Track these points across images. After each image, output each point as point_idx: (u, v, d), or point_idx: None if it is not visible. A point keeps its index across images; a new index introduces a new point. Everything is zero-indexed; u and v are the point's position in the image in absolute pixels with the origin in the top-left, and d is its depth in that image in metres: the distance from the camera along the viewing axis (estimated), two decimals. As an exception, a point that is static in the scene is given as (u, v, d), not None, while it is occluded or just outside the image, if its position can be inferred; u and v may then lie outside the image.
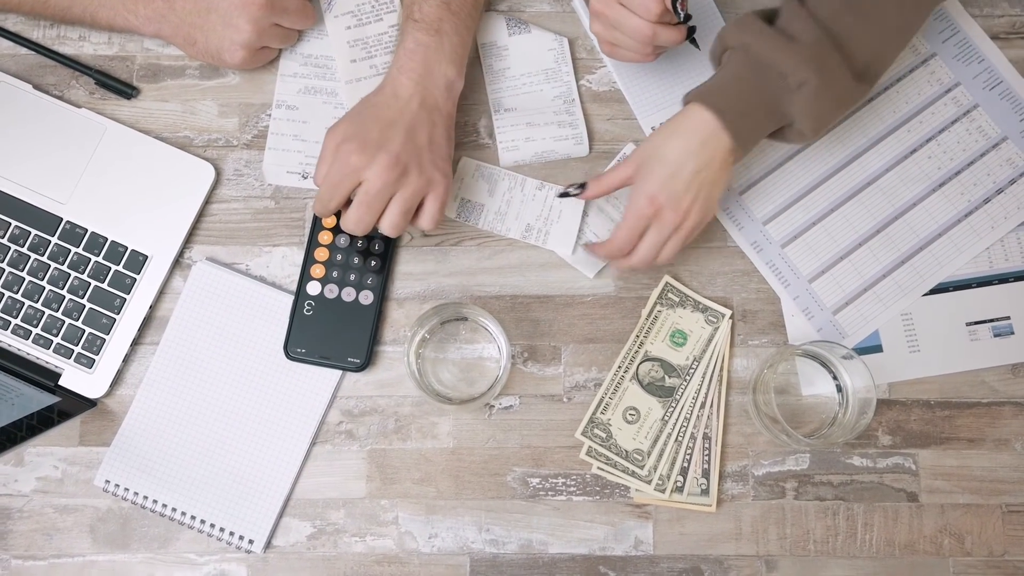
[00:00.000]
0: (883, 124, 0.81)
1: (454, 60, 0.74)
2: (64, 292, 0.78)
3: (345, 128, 0.71)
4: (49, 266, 0.79)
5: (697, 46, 0.75)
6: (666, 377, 0.78)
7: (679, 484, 0.77)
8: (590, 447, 0.77)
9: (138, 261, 0.79)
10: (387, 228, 0.71)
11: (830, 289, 0.79)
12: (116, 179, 0.80)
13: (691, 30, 0.73)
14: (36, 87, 0.81)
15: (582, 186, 0.75)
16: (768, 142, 0.74)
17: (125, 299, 0.79)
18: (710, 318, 0.79)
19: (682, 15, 0.70)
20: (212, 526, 0.76)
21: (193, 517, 0.76)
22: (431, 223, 0.73)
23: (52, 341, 0.78)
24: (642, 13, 0.70)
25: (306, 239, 0.80)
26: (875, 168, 0.80)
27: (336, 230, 0.79)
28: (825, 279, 0.79)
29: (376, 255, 0.79)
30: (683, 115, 0.71)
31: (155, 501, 0.77)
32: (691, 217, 0.71)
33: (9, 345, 0.79)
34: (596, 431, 0.78)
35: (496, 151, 0.81)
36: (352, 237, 0.78)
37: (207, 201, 0.81)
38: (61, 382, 0.78)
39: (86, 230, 0.79)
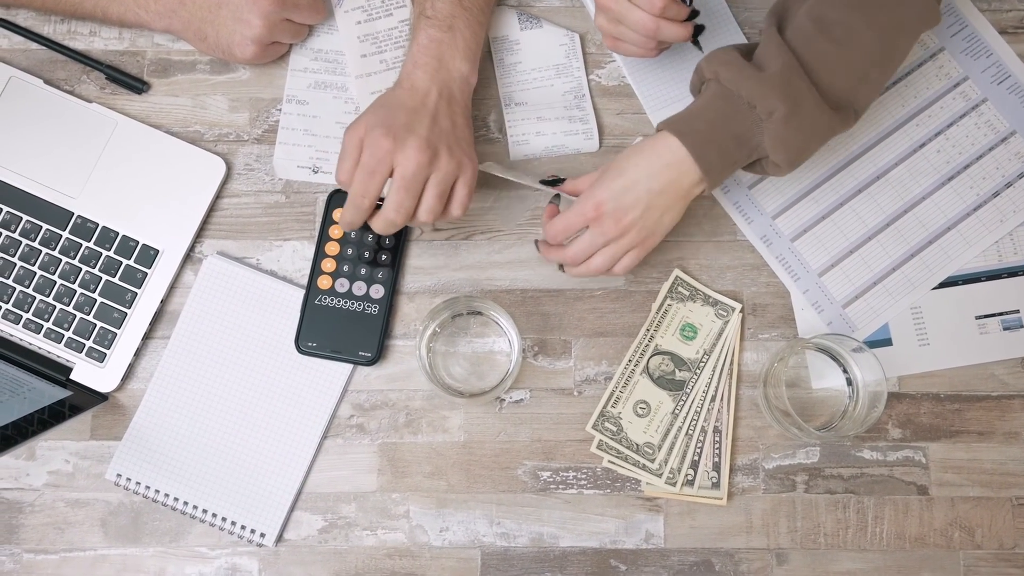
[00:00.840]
0: (892, 118, 0.81)
1: (467, 56, 0.74)
2: (75, 286, 0.79)
3: (368, 120, 0.70)
4: (60, 260, 0.79)
5: (700, 48, 0.75)
6: (676, 371, 0.78)
7: (690, 477, 0.77)
8: (601, 441, 0.78)
9: (149, 255, 0.79)
10: (425, 213, 0.70)
11: (840, 283, 0.79)
12: (127, 174, 0.80)
13: (698, 29, 0.73)
14: (47, 82, 0.81)
15: (561, 180, 0.76)
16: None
17: (136, 293, 0.79)
18: (720, 312, 0.79)
19: (689, 3, 0.70)
20: (224, 520, 0.76)
21: (205, 511, 0.76)
22: (461, 209, 0.72)
23: (63, 335, 0.78)
24: (646, 7, 0.70)
25: (317, 233, 0.80)
26: (884, 162, 0.81)
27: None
28: (835, 273, 0.79)
29: (387, 249, 0.79)
30: (654, 139, 0.70)
31: (166, 495, 0.77)
32: (630, 234, 0.70)
33: (20, 339, 0.79)
34: (607, 425, 0.78)
35: (507, 145, 0.81)
36: (362, 231, 0.78)
37: (218, 195, 0.81)
38: (72, 376, 0.78)
39: (97, 224, 0.79)
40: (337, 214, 0.79)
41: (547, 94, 0.82)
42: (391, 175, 0.69)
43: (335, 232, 0.79)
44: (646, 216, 0.69)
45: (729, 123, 0.68)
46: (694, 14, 0.72)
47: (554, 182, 0.76)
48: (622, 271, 0.72)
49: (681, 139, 0.68)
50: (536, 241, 0.76)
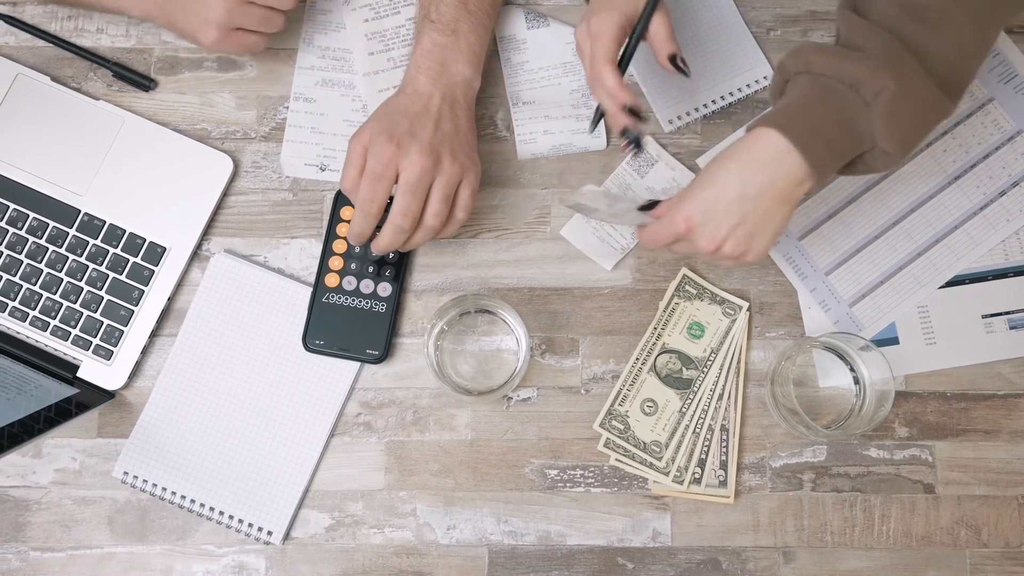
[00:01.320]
0: (899, 118, 0.81)
1: (471, 60, 0.74)
2: (82, 284, 0.78)
3: (371, 127, 0.71)
4: (67, 258, 0.79)
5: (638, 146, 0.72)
6: (684, 369, 0.78)
7: (697, 476, 0.77)
8: (608, 439, 0.78)
9: (156, 253, 0.79)
10: (431, 217, 0.70)
11: (847, 281, 0.79)
12: (134, 171, 0.80)
13: (635, 143, 0.71)
14: (54, 79, 0.81)
15: (656, 203, 0.70)
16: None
17: (143, 291, 0.79)
18: (727, 310, 0.79)
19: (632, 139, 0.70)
20: (231, 518, 0.76)
21: (212, 509, 0.76)
22: (465, 212, 0.72)
23: (70, 333, 0.78)
24: (612, 93, 0.69)
25: (324, 231, 0.80)
26: (891, 161, 0.81)
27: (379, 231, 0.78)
28: (842, 271, 0.79)
29: (394, 247, 0.79)
30: (747, 138, 0.64)
31: (173, 493, 0.77)
32: (726, 248, 0.64)
33: (27, 336, 0.79)
34: (614, 423, 0.78)
35: (514, 144, 0.81)
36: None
37: (225, 193, 0.81)
38: (79, 374, 0.78)
39: (104, 222, 0.79)
40: (345, 212, 0.79)
41: (554, 93, 0.82)
42: (396, 181, 0.70)
43: (343, 230, 0.79)
44: (741, 228, 0.63)
45: (832, 109, 0.62)
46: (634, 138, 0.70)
47: (651, 206, 0.70)
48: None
49: (782, 131, 0.61)
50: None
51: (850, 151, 0.63)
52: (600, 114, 0.75)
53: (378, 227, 0.72)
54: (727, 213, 0.63)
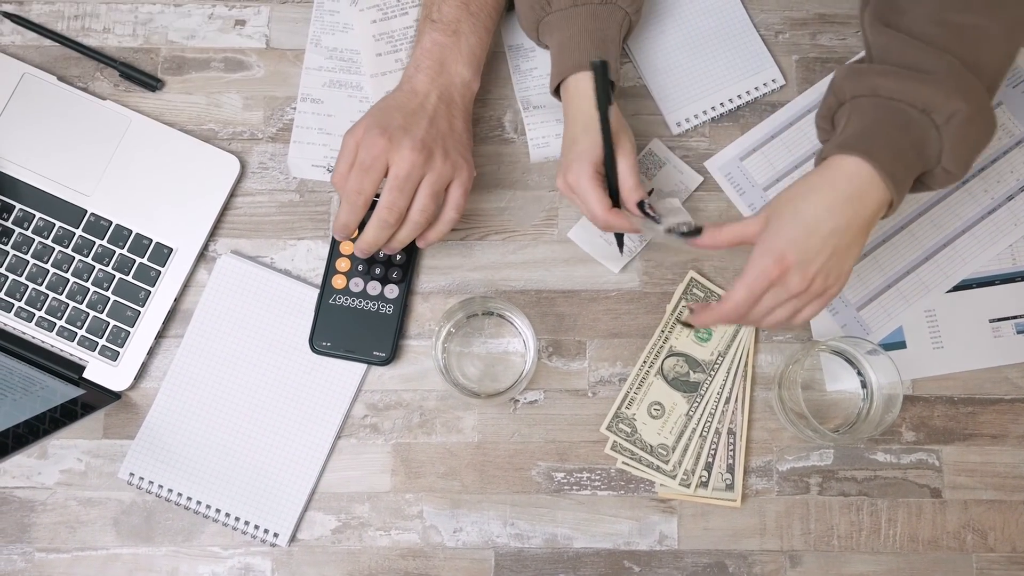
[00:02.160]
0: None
1: (471, 62, 0.74)
2: (88, 284, 0.78)
3: (365, 123, 0.70)
4: (73, 258, 0.78)
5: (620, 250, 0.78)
6: (691, 372, 0.78)
7: (704, 479, 0.77)
8: (615, 442, 0.78)
9: (163, 254, 0.79)
10: (417, 213, 0.70)
11: (854, 286, 0.79)
12: (141, 172, 0.80)
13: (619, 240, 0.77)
14: (60, 79, 0.81)
15: (697, 231, 0.67)
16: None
17: (150, 292, 0.78)
18: (735, 313, 0.79)
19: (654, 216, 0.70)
20: (237, 519, 0.76)
21: (218, 510, 0.76)
22: (456, 210, 0.72)
23: (76, 333, 0.78)
24: (597, 211, 0.70)
25: (331, 232, 0.79)
26: (899, 165, 0.81)
27: (363, 226, 0.78)
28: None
29: (401, 249, 0.79)
30: (825, 168, 0.63)
31: (179, 494, 0.76)
32: (816, 283, 0.63)
33: (33, 337, 0.79)
34: (621, 426, 0.78)
35: (527, 147, 0.81)
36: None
37: (232, 194, 0.81)
38: (85, 375, 0.78)
39: (111, 222, 0.79)
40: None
41: (563, 95, 0.81)
42: (386, 175, 0.69)
43: (349, 231, 0.79)
44: (831, 261, 0.62)
45: (908, 133, 0.62)
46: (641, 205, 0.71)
47: (690, 233, 0.68)
48: (801, 323, 0.66)
49: (867, 158, 0.61)
50: (689, 308, 0.74)
51: (919, 171, 0.64)
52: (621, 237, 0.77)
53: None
54: (821, 248, 0.62)
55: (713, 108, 0.82)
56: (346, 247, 0.79)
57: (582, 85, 0.72)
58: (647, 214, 0.70)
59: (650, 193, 0.79)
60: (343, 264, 0.78)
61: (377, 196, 0.70)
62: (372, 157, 0.69)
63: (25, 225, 0.79)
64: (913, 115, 0.62)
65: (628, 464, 0.77)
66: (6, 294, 0.78)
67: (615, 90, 0.75)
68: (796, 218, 0.62)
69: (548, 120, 0.81)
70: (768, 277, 0.63)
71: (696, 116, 0.81)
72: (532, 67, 0.83)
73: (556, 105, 0.80)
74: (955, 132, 0.62)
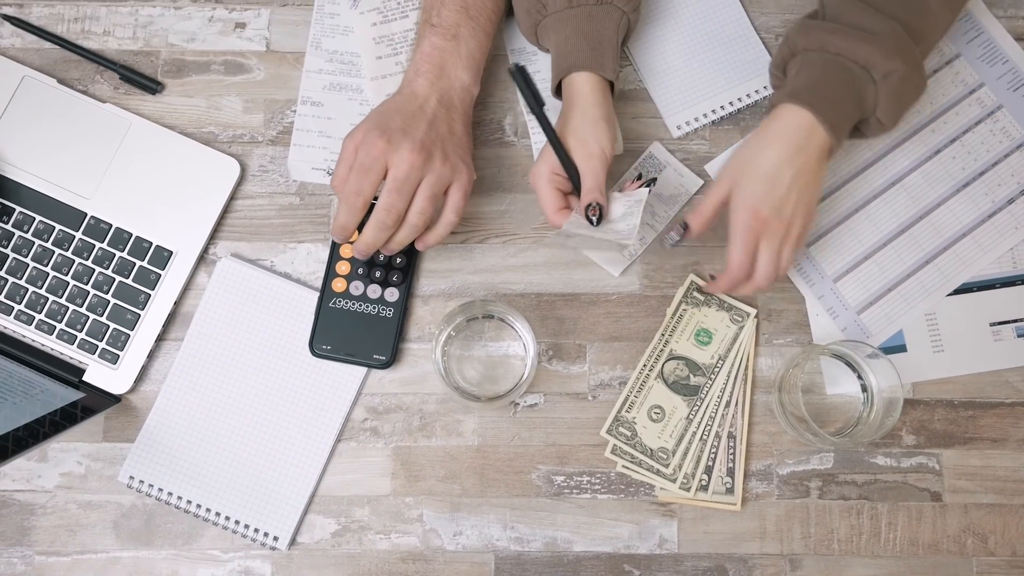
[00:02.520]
0: (907, 124, 0.81)
1: (470, 66, 0.74)
2: (88, 287, 0.78)
3: (365, 126, 0.70)
4: (73, 261, 0.78)
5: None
6: (691, 376, 0.78)
7: (704, 483, 0.77)
8: (615, 445, 0.77)
9: (163, 257, 0.79)
10: (415, 215, 0.70)
11: (855, 289, 0.79)
12: (141, 174, 0.80)
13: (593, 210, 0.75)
14: (61, 81, 0.81)
15: (686, 227, 0.73)
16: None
17: (150, 295, 0.78)
18: (735, 317, 0.79)
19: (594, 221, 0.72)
20: (237, 523, 0.76)
21: (218, 514, 0.76)
22: (456, 213, 0.72)
23: (76, 336, 0.78)
24: (548, 210, 0.73)
25: (330, 235, 0.79)
26: (899, 168, 0.81)
27: (361, 226, 0.78)
28: (850, 279, 0.79)
29: (402, 252, 0.79)
30: (774, 119, 0.70)
31: (179, 497, 0.76)
32: (796, 222, 0.70)
33: (33, 340, 0.79)
34: (621, 429, 0.78)
35: (528, 151, 0.81)
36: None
37: (232, 197, 0.80)
38: (85, 378, 0.78)
39: (111, 225, 0.79)
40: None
41: (563, 98, 0.81)
42: (385, 177, 0.69)
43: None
44: (799, 202, 0.70)
45: (849, 87, 0.69)
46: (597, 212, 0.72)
47: (682, 231, 0.74)
48: (786, 269, 0.72)
49: (813, 110, 0.68)
50: (707, 284, 0.78)
51: (857, 118, 0.71)
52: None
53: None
54: (786, 196, 0.70)
55: (713, 111, 0.81)
56: (346, 250, 0.79)
57: (573, 87, 0.73)
58: (588, 218, 0.71)
59: (651, 183, 0.78)
60: (343, 267, 0.78)
61: (376, 199, 0.70)
62: (371, 158, 0.69)
63: (25, 228, 0.79)
64: (855, 70, 0.69)
65: (628, 468, 0.77)
66: (6, 297, 0.78)
67: (614, 91, 0.75)
68: (759, 174, 0.70)
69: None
70: (752, 231, 0.70)
71: (696, 119, 0.81)
72: (535, 70, 0.82)
73: (558, 108, 0.80)
74: (890, 88, 0.69)
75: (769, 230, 0.70)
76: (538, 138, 0.81)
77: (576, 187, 0.72)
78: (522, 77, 0.68)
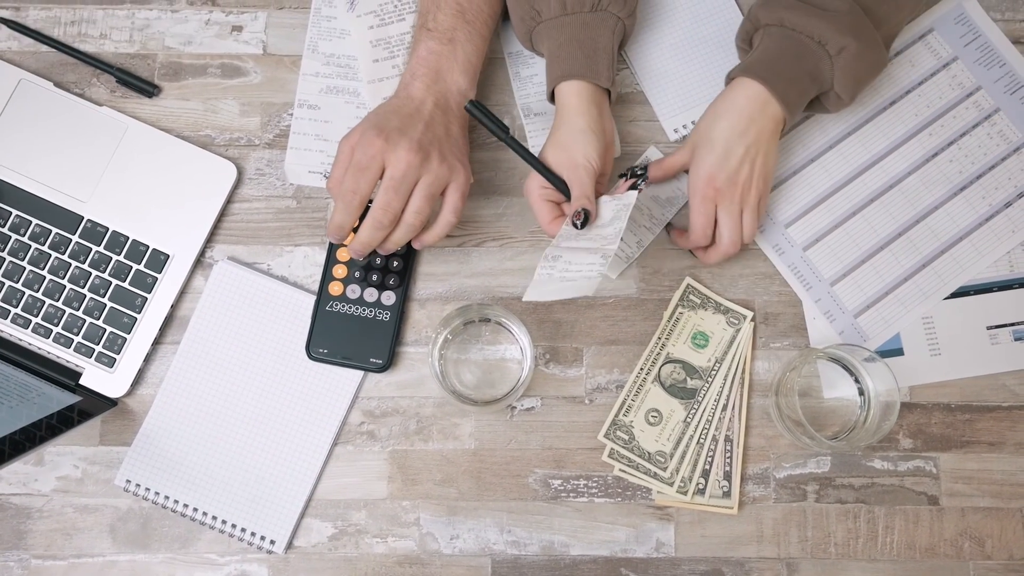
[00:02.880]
0: (905, 128, 0.81)
1: (466, 70, 0.74)
2: (85, 291, 0.78)
3: (361, 127, 0.70)
4: (70, 265, 0.78)
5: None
6: (688, 379, 0.78)
7: (701, 486, 0.77)
8: (612, 449, 0.77)
9: (159, 260, 0.79)
10: (412, 215, 0.70)
11: (852, 292, 0.79)
12: (137, 178, 0.80)
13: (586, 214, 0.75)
14: (57, 85, 0.81)
15: (644, 169, 0.76)
16: (798, 144, 0.74)
17: (146, 298, 0.78)
18: (732, 320, 0.79)
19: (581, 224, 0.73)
20: (233, 526, 0.76)
21: (214, 517, 0.76)
22: (454, 213, 0.72)
23: (73, 340, 0.78)
24: (542, 221, 0.74)
25: (326, 236, 0.79)
26: (897, 171, 0.81)
27: (357, 229, 0.78)
28: (847, 282, 0.79)
29: (398, 255, 0.79)
30: (730, 91, 0.73)
31: (176, 501, 0.76)
32: (751, 191, 0.74)
33: (30, 344, 0.79)
34: (618, 433, 0.78)
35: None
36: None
37: (228, 200, 0.80)
38: (82, 381, 0.78)
39: (107, 229, 0.79)
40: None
41: (560, 101, 0.81)
42: (382, 176, 0.69)
43: (347, 238, 0.79)
44: (756, 168, 0.73)
45: (803, 62, 0.72)
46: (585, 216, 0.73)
47: (643, 175, 0.76)
48: (751, 234, 0.75)
49: (764, 83, 0.71)
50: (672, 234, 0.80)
51: (814, 93, 0.74)
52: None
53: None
54: (741, 163, 0.73)
55: (711, 114, 0.81)
56: (343, 253, 0.79)
57: (562, 96, 0.74)
58: (573, 223, 0.72)
59: (642, 172, 0.77)
60: (340, 271, 0.78)
61: (372, 200, 0.70)
62: (368, 157, 0.68)
63: (22, 231, 0.79)
64: (811, 46, 0.72)
65: (625, 471, 0.77)
66: (3, 301, 0.78)
67: (612, 97, 0.75)
68: (712, 145, 0.73)
69: (548, 127, 0.81)
70: (709, 198, 0.73)
71: (693, 122, 0.81)
72: (532, 74, 0.83)
73: (552, 112, 0.80)
74: (844, 63, 0.72)
75: (725, 198, 0.73)
76: (537, 141, 0.81)
77: (567, 197, 0.73)
78: (479, 111, 0.70)
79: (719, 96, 0.74)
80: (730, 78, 0.74)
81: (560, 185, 0.73)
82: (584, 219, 0.72)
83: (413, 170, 0.69)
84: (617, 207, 0.72)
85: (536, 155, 0.73)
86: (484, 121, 0.70)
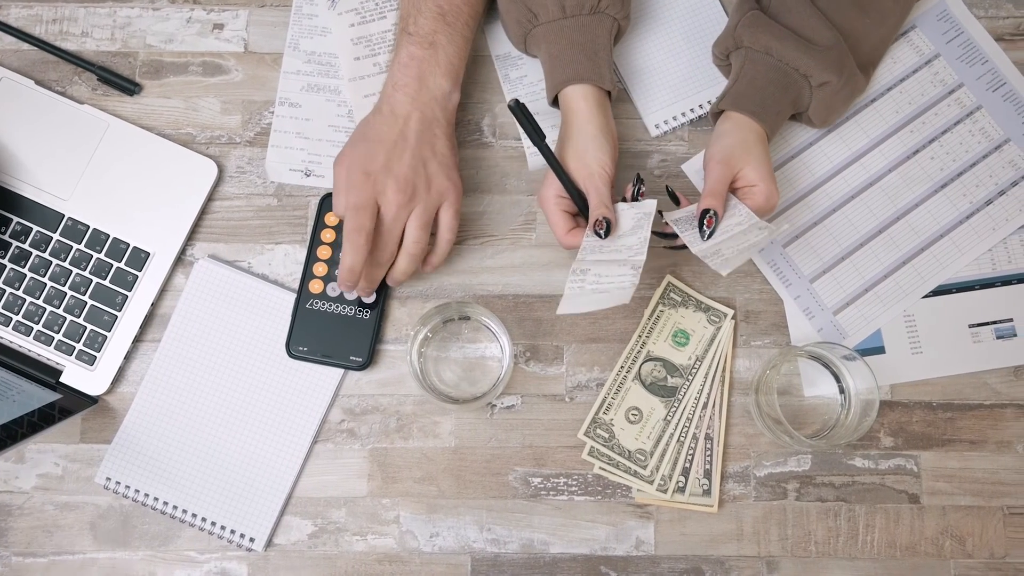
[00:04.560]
0: (886, 125, 0.81)
1: (449, 72, 0.74)
2: (66, 289, 0.78)
3: (350, 155, 0.71)
4: (51, 263, 0.79)
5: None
6: (668, 377, 0.78)
7: (681, 484, 0.77)
8: (592, 447, 0.77)
9: (140, 258, 0.79)
10: (412, 245, 0.72)
11: (831, 289, 0.79)
12: (118, 176, 0.80)
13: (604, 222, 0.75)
14: (38, 83, 0.81)
15: (639, 179, 0.74)
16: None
17: (127, 296, 0.78)
18: (712, 318, 0.79)
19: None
20: (213, 524, 0.76)
21: (194, 515, 0.76)
22: (451, 232, 0.74)
23: (53, 338, 0.78)
24: (558, 232, 0.73)
25: (309, 237, 0.79)
26: (877, 168, 0.80)
27: (339, 228, 0.79)
28: (826, 279, 0.79)
29: (379, 253, 0.79)
30: (729, 126, 0.73)
31: (156, 499, 0.76)
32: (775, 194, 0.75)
33: (10, 342, 0.79)
34: (598, 431, 0.77)
35: (505, 152, 0.81)
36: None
37: (209, 198, 0.80)
38: (62, 379, 0.78)
39: (88, 227, 0.79)
40: (330, 218, 0.79)
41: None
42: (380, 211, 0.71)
43: (327, 236, 0.79)
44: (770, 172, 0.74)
45: (787, 92, 0.75)
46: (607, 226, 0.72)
47: (639, 185, 0.74)
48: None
49: (755, 118, 0.73)
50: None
51: (791, 113, 0.77)
52: None
53: None
54: (770, 173, 0.73)
55: (692, 110, 0.81)
56: (323, 252, 0.79)
57: (569, 101, 0.73)
58: (596, 233, 0.70)
59: (638, 181, 0.77)
60: (320, 269, 0.78)
61: None
62: (362, 200, 0.70)
63: (2, 230, 0.79)
64: (795, 77, 0.75)
65: (605, 469, 0.77)
66: (-16, 298, 0.78)
67: (612, 97, 0.75)
68: (761, 162, 0.72)
69: (543, 127, 0.80)
70: (765, 208, 0.72)
71: (675, 118, 0.81)
72: (522, 75, 0.82)
73: (548, 112, 0.80)
74: (823, 96, 0.75)
75: (772, 200, 0.74)
76: (530, 142, 0.80)
77: (581, 209, 0.72)
78: (522, 113, 0.68)
79: (724, 127, 0.74)
80: (718, 111, 0.75)
81: (578, 198, 0.72)
82: (607, 228, 0.70)
83: (403, 210, 0.71)
84: (637, 216, 0.71)
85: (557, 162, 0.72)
86: (524, 124, 0.69)
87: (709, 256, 0.69)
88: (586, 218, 0.72)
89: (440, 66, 0.73)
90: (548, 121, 0.81)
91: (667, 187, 0.75)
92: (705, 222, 0.70)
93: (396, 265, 0.74)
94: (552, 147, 0.74)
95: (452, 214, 0.73)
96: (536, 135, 0.70)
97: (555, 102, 0.77)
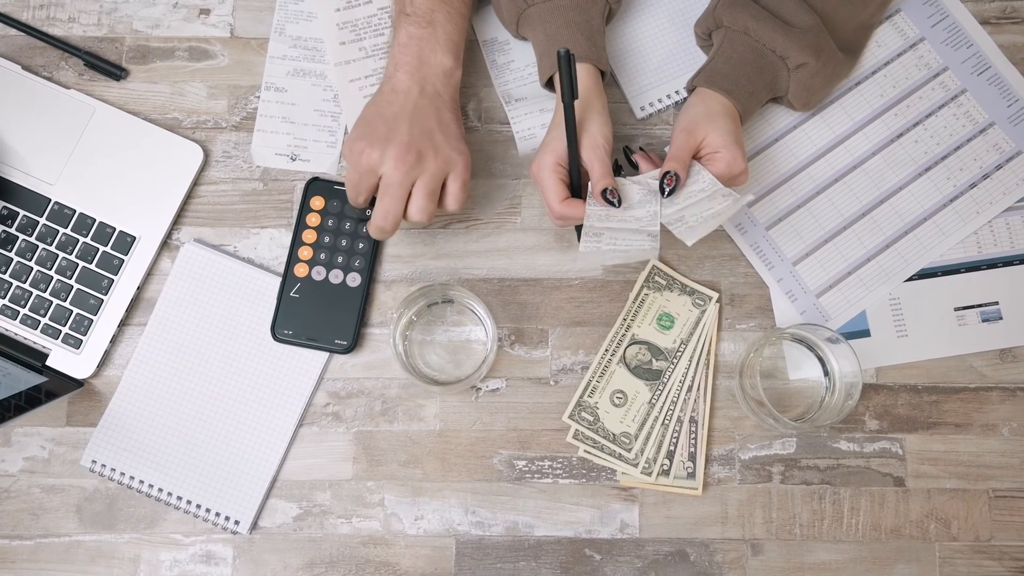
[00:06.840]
0: (870, 108, 0.81)
1: (450, 49, 0.73)
2: (52, 273, 0.79)
3: (355, 133, 0.71)
4: (37, 247, 0.79)
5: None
6: (653, 360, 0.78)
7: (665, 467, 0.77)
8: (577, 430, 0.77)
9: (126, 242, 0.79)
10: (415, 214, 0.70)
11: (814, 272, 0.79)
12: (105, 160, 0.80)
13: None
14: (25, 68, 0.81)
15: (668, 174, 0.71)
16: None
17: (113, 280, 0.79)
18: (697, 301, 0.79)
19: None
20: (198, 507, 0.76)
21: (179, 498, 0.76)
22: (456, 203, 0.72)
23: (40, 321, 0.78)
24: (551, 202, 0.72)
25: (294, 221, 0.80)
26: (861, 152, 0.80)
27: (324, 212, 0.79)
28: (809, 262, 0.79)
29: (364, 237, 0.79)
30: (703, 102, 0.73)
31: (141, 482, 0.77)
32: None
33: (-4, 325, 0.79)
34: (583, 414, 0.78)
35: (515, 142, 0.81)
36: (339, 218, 0.78)
37: (195, 183, 0.81)
38: (48, 362, 0.78)
39: (74, 211, 0.79)
40: (315, 202, 0.79)
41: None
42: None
43: (313, 220, 0.79)
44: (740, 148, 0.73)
45: (763, 74, 0.75)
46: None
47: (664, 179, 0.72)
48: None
49: (729, 96, 0.73)
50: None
51: (769, 97, 0.77)
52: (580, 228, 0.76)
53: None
54: (735, 141, 0.72)
55: (677, 92, 0.81)
56: (308, 236, 0.79)
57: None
58: (609, 201, 0.70)
59: (632, 158, 0.76)
60: (305, 253, 0.78)
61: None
62: (360, 173, 0.70)
63: (-11, 214, 0.79)
64: (771, 58, 0.75)
65: (590, 453, 0.77)
66: (-30, 282, 0.78)
67: (605, 77, 0.75)
68: (734, 140, 0.71)
69: (532, 111, 0.81)
70: (727, 175, 0.71)
71: (660, 100, 0.81)
72: (509, 60, 0.83)
73: (538, 96, 0.80)
74: (801, 78, 0.75)
75: (743, 173, 0.73)
76: (520, 127, 0.81)
77: (575, 182, 0.72)
78: (568, 65, 0.66)
79: (693, 102, 0.74)
80: (692, 86, 0.75)
81: (576, 171, 0.71)
82: (618, 197, 0.70)
83: (408, 174, 0.69)
84: (643, 191, 0.72)
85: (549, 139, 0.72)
86: (564, 78, 0.66)
87: (673, 223, 0.70)
88: (578, 193, 0.72)
89: (440, 43, 0.73)
90: (536, 106, 0.81)
91: (625, 148, 0.75)
92: (666, 181, 0.70)
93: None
94: (545, 131, 0.74)
95: (460, 185, 0.72)
96: (571, 93, 0.67)
97: (548, 83, 0.77)
